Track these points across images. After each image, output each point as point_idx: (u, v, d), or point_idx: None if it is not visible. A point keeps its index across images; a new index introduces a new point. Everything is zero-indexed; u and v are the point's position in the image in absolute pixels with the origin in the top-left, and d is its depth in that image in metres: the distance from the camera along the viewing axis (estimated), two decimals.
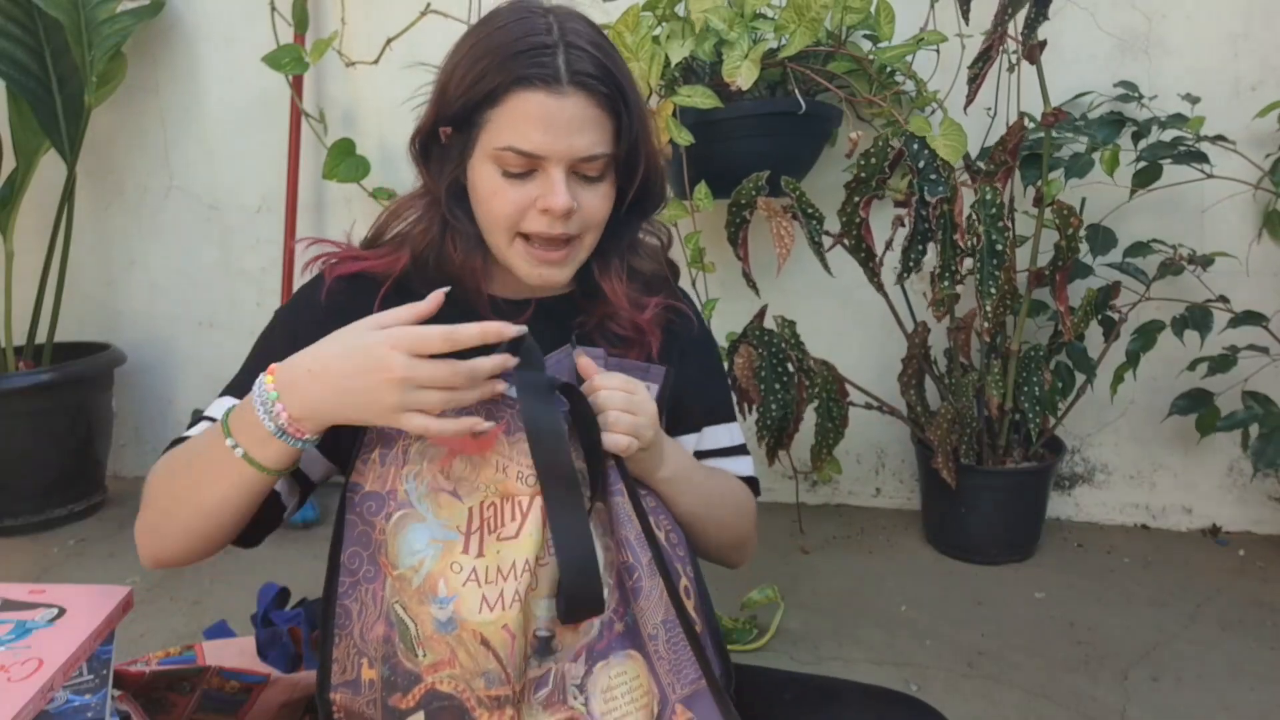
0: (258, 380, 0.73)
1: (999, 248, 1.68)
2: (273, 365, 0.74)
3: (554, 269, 0.86)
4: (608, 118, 0.82)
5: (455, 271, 0.87)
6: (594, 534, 0.77)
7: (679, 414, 0.96)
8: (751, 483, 1.03)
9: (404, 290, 0.86)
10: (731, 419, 1.03)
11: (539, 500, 0.75)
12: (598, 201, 0.85)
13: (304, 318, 0.87)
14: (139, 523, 0.82)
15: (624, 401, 0.80)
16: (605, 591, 0.76)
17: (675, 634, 0.78)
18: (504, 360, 0.73)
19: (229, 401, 0.84)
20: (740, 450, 1.03)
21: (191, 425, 0.89)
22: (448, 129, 0.85)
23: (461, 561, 0.74)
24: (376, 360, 0.69)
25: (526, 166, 0.81)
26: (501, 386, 0.74)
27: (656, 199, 0.94)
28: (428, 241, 0.88)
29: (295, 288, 2.34)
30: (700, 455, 0.99)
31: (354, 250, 0.93)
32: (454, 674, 0.72)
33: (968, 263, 1.71)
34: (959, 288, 1.76)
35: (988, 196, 1.68)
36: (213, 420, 0.84)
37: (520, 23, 0.81)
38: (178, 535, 0.80)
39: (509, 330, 0.72)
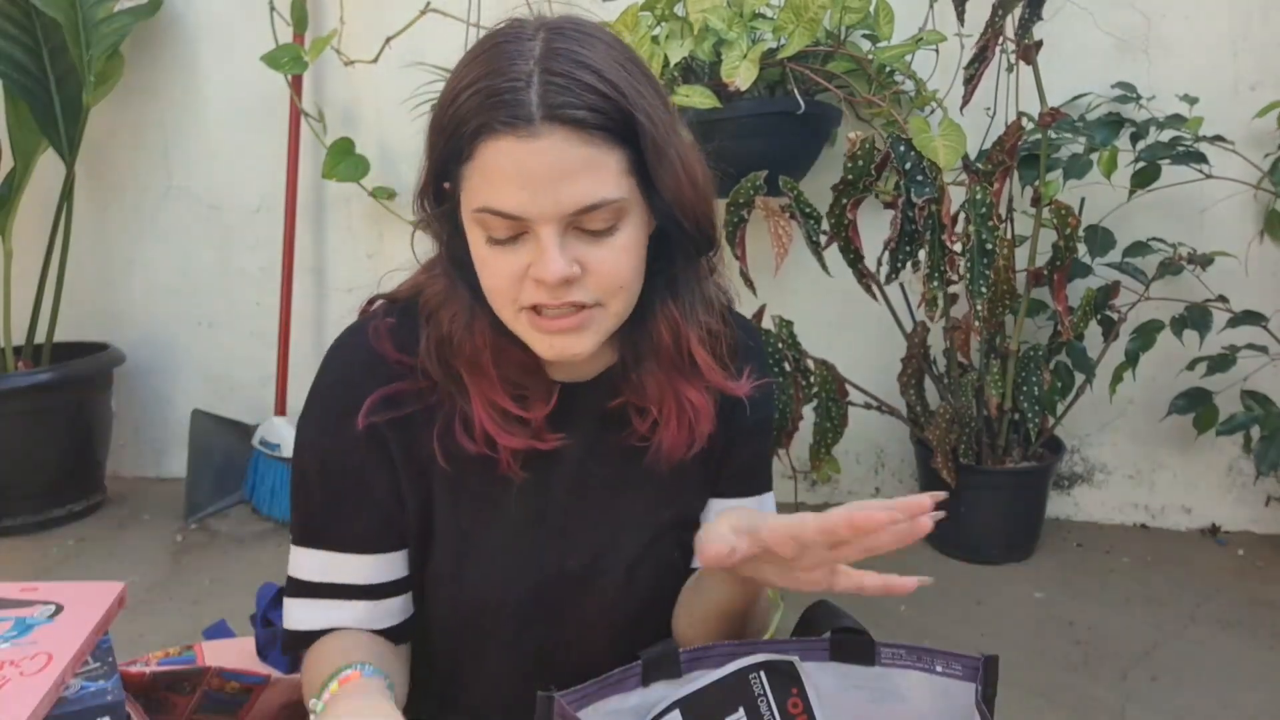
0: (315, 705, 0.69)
1: (989, 246, 1.69)
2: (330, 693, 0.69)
3: (569, 339, 0.69)
4: (606, 152, 0.65)
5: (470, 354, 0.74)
6: None
7: (725, 478, 0.86)
8: None
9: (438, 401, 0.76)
10: (769, 489, 0.90)
11: None
12: (614, 259, 0.68)
13: (345, 443, 0.77)
14: None
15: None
16: None
17: None
18: None
19: (309, 560, 0.80)
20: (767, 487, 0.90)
21: (286, 605, 0.82)
22: (446, 183, 0.72)
23: None
24: None
25: (513, 230, 0.66)
26: None
27: (706, 238, 0.76)
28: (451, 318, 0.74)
29: (295, 287, 2.35)
30: None
31: (385, 341, 0.77)
32: None
33: (962, 262, 1.72)
34: (955, 287, 1.77)
35: (978, 196, 1.69)
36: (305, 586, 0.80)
37: (494, 51, 0.66)
38: None
39: None
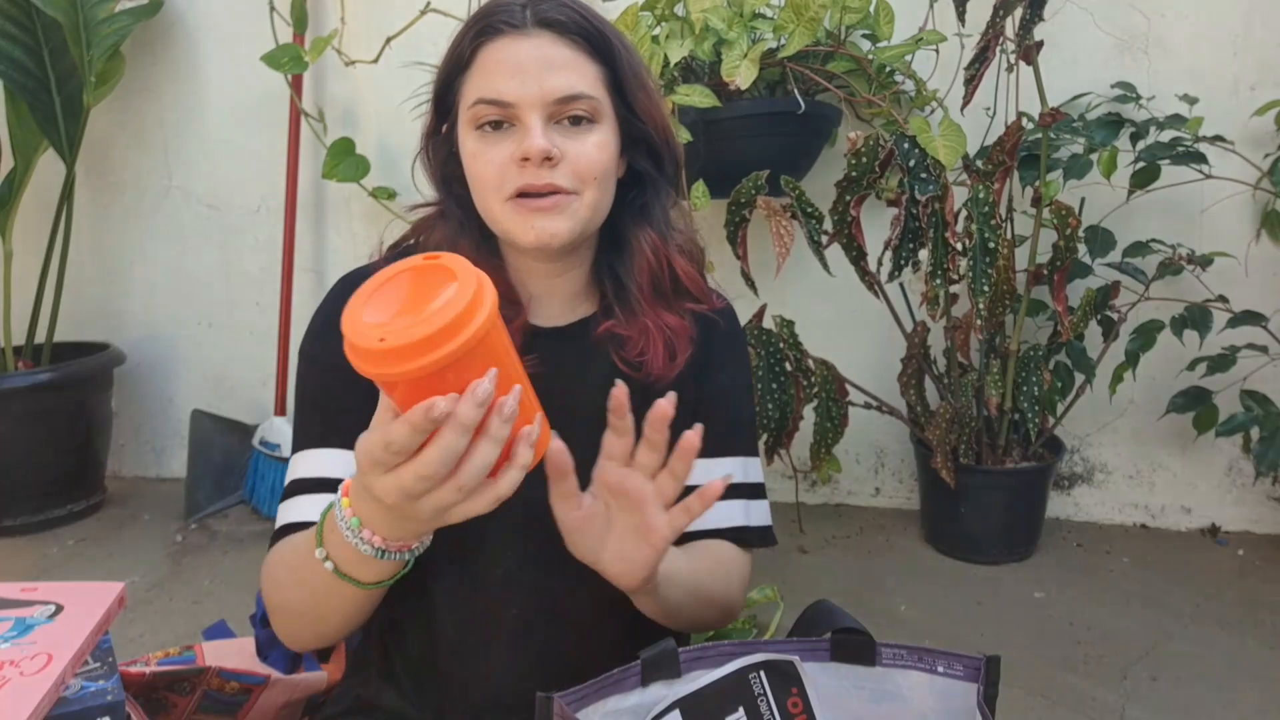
0: (335, 502, 0.64)
1: (991, 245, 1.69)
2: (346, 483, 0.64)
3: (549, 219, 0.75)
4: (586, 60, 0.77)
5: None
6: None
7: (710, 435, 0.83)
8: (764, 534, 0.88)
9: None
10: (754, 451, 0.90)
11: None
12: (588, 150, 0.76)
13: (339, 345, 0.78)
14: (271, 619, 0.78)
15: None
16: None
17: None
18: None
19: (309, 462, 0.79)
20: (757, 492, 0.89)
21: (285, 497, 0.81)
22: (445, 124, 0.82)
23: None
24: (372, 496, 0.58)
25: (501, 117, 0.75)
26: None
27: (672, 164, 0.85)
28: (436, 245, 0.81)
29: (294, 287, 2.35)
30: (733, 488, 0.86)
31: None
32: None
33: (963, 262, 1.72)
34: (956, 287, 1.77)
35: (980, 195, 1.69)
36: (306, 492, 0.79)
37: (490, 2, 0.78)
38: (311, 640, 0.77)
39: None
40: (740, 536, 0.86)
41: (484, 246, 0.82)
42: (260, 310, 2.46)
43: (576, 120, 0.76)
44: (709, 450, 0.80)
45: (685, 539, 0.83)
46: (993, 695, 0.69)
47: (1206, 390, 1.97)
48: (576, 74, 0.76)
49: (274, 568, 0.77)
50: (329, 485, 0.78)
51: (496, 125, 0.76)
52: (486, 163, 0.76)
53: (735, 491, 0.86)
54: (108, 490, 2.43)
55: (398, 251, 0.87)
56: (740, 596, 0.86)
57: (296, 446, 0.82)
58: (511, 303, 0.81)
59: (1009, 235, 1.86)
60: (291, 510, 0.79)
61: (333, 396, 0.79)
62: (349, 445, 0.74)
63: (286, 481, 0.81)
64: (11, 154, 2.27)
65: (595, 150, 0.77)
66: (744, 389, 0.92)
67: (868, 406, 2.02)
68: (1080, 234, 1.83)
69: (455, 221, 0.82)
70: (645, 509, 0.66)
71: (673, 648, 0.71)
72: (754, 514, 0.88)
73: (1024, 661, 1.59)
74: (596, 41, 0.77)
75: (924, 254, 1.70)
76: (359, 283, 0.79)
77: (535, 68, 0.74)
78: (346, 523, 0.63)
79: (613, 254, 0.84)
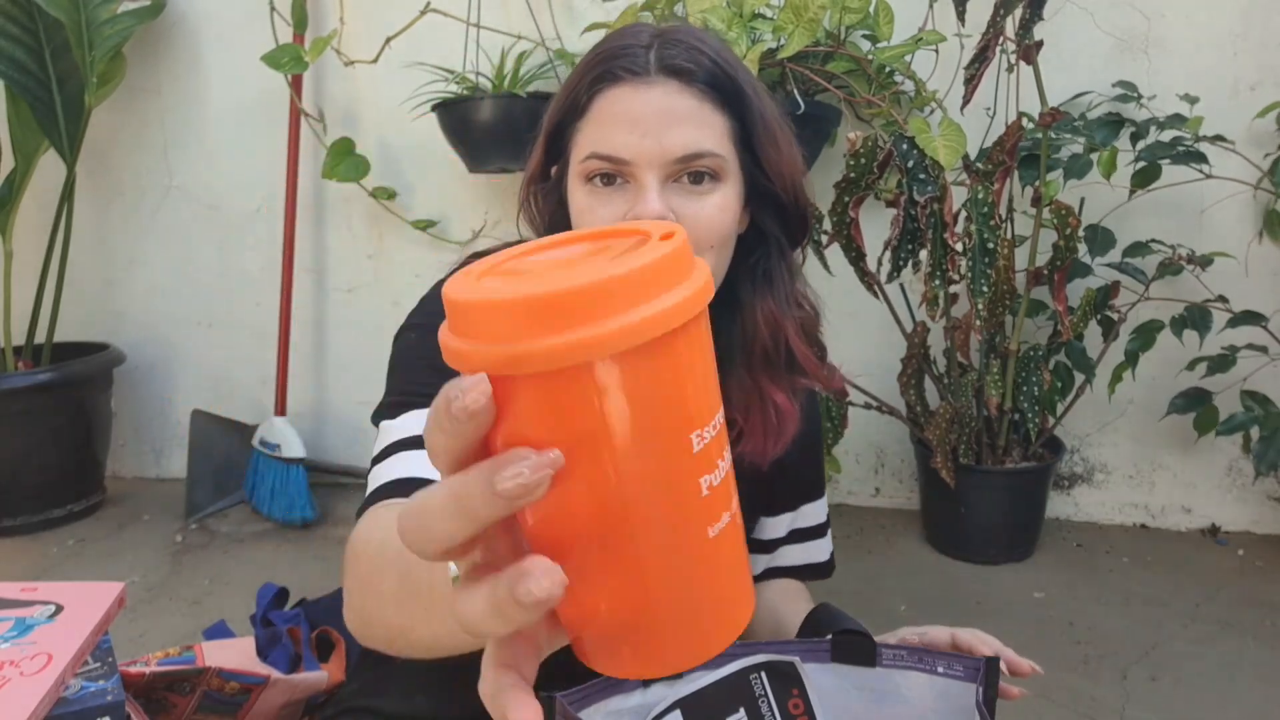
0: None
1: (990, 246, 1.69)
2: None
3: None
4: (713, 111, 0.70)
5: None
6: None
7: (777, 492, 0.87)
8: (825, 568, 0.93)
9: None
10: (822, 493, 0.92)
11: None
12: (708, 213, 0.69)
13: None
14: (348, 597, 0.60)
15: None
16: None
17: None
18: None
19: (401, 425, 0.69)
20: (826, 529, 0.93)
21: (385, 457, 0.70)
22: (554, 167, 0.75)
23: None
24: None
25: (615, 172, 0.69)
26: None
27: (800, 228, 0.78)
28: None
29: (295, 287, 2.35)
30: (793, 533, 0.91)
31: None
32: None
33: (963, 262, 1.72)
34: (956, 287, 1.77)
35: (979, 195, 1.69)
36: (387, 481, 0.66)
37: (619, 33, 0.72)
38: (382, 635, 0.56)
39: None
40: (817, 571, 0.92)
41: None
42: (260, 310, 2.46)
43: (697, 177, 0.70)
44: (801, 499, 0.87)
45: (761, 577, 0.90)
46: (992, 696, 0.69)
47: (1207, 391, 1.97)
48: (701, 129, 0.69)
49: (369, 537, 0.59)
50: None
51: (609, 180, 0.70)
52: (595, 220, 0.70)
53: (820, 531, 0.91)
54: (107, 490, 2.43)
55: None
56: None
57: (404, 408, 0.71)
58: None
59: (1009, 235, 1.86)
60: (398, 465, 0.67)
61: (436, 366, 0.69)
62: None
63: (390, 442, 0.70)
64: (12, 154, 2.27)
65: (716, 213, 0.70)
66: (819, 442, 0.92)
67: (868, 407, 2.02)
68: (1080, 234, 1.83)
69: None
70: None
71: None
72: (828, 549, 0.93)
73: None
74: (727, 90, 0.70)
75: (923, 254, 1.70)
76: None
77: (656, 122, 0.67)
78: None
79: (726, 316, 0.76)
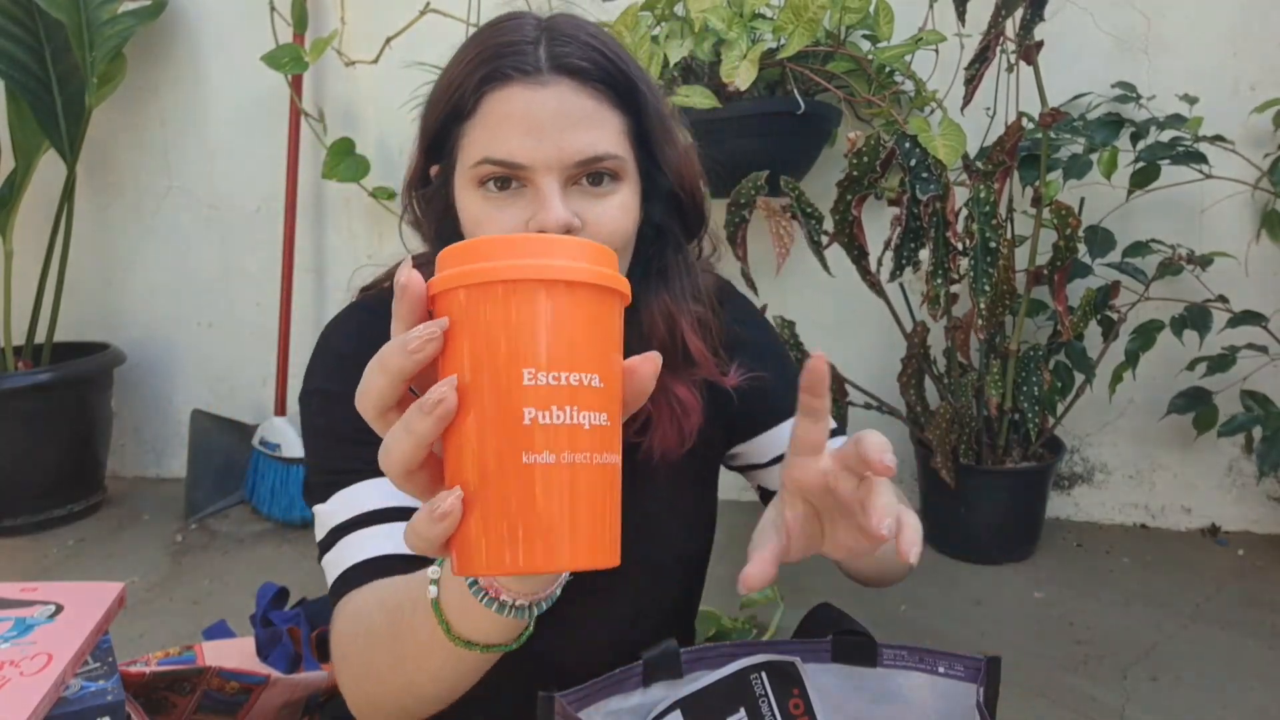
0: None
1: (993, 245, 1.69)
2: None
3: None
4: (609, 111, 0.68)
5: None
6: None
7: (775, 407, 0.86)
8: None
9: None
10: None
11: None
12: (611, 215, 0.68)
13: (347, 379, 0.59)
14: (344, 686, 0.64)
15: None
16: None
17: None
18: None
19: (360, 497, 0.69)
20: (840, 431, 0.92)
21: (333, 542, 0.71)
22: (435, 166, 0.72)
23: None
24: None
25: (510, 177, 0.66)
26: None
27: (696, 222, 0.77)
28: None
29: (294, 287, 2.35)
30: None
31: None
32: None
33: (964, 262, 1.72)
34: (956, 287, 1.76)
35: (981, 194, 1.69)
36: (343, 529, 0.70)
37: (496, 27, 0.68)
38: (395, 714, 0.63)
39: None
40: None
41: None
42: (260, 310, 2.46)
43: (597, 179, 0.67)
44: (778, 418, 0.85)
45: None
46: (993, 696, 0.69)
47: (1207, 391, 1.97)
48: (599, 130, 0.66)
49: (355, 620, 0.63)
50: (396, 515, 0.69)
51: (503, 184, 0.67)
52: (494, 228, 0.67)
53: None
54: (107, 490, 2.43)
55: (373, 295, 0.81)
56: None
57: (331, 488, 0.72)
58: None
59: (1009, 235, 1.86)
60: (353, 549, 0.68)
61: (364, 427, 0.74)
62: (376, 473, 0.69)
63: (330, 527, 0.71)
64: (12, 154, 2.27)
65: (619, 214, 0.68)
66: (786, 354, 0.93)
67: (868, 406, 2.02)
68: (1080, 234, 1.82)
69: None
70: (859, 508, 0.53)
71: (674, 648, 0.71)
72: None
73: (1024, 661, 1.59)
74: (622, 88, 0.68)
75: (925, 254, 1.70)
76: (346, 324, 0.74)
77: (553, 125, 0.64)
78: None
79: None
